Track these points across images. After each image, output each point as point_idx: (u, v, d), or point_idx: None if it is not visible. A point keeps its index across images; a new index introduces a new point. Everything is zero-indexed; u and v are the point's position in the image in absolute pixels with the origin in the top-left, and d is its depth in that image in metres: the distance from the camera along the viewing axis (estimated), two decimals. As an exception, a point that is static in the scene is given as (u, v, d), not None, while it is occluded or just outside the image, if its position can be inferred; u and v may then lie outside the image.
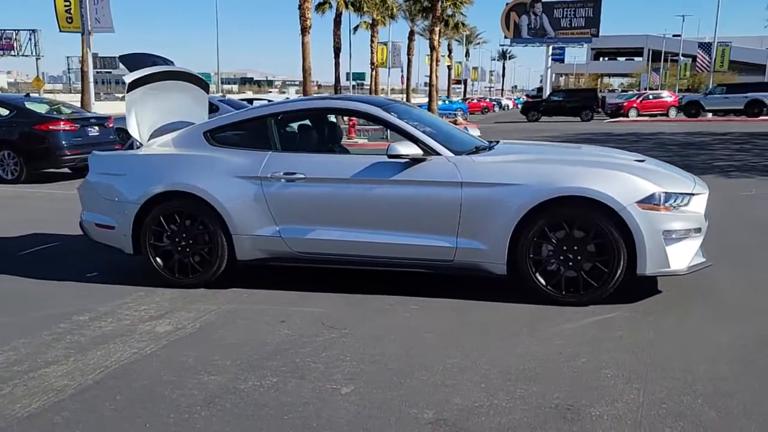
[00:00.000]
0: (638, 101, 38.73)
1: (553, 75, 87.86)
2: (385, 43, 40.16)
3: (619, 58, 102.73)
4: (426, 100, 37.52)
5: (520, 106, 39.24)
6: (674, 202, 4.40)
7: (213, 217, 4.95)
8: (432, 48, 32.07)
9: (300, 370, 3.56)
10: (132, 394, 3.31)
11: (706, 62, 42.20)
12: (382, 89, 44.66)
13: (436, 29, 31.50)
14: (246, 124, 5.23)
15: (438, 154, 4.67)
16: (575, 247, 4.43)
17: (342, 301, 4.72)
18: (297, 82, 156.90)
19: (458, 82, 77.96)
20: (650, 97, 39.85)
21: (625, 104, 38.33)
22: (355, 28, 42.12)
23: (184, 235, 5.06)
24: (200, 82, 6.25)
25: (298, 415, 3.05)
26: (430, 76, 32.97)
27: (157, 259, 5.11)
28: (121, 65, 6.87)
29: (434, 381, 3.39)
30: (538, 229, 4.45)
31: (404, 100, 53.40)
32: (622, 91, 77.43)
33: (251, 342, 3.98)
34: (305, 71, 24.29)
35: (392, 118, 4.92)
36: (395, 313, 4.46)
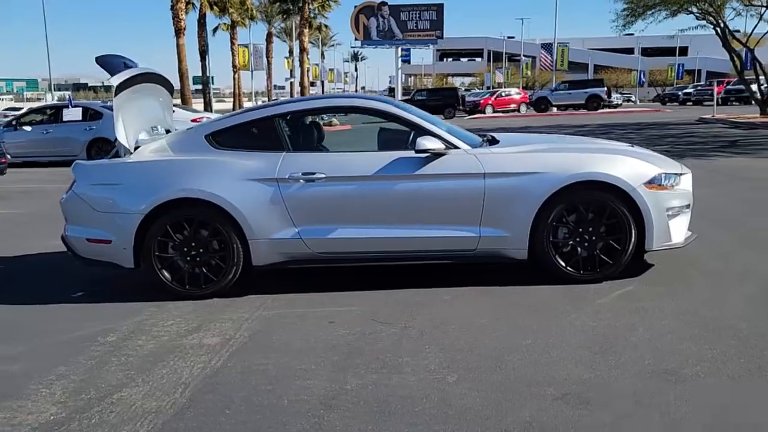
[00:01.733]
0: (493, 99, 41.15)
1: (403, 75, 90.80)
2: (246, 45, 39.34)
3: (462, 59, 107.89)
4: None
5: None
6: (672, 181, 4.88)
7: (227, 223, 4.77)
8: (302, 50, 32.00)
9: (390, 365, 3.58)
10: (242, 406, 3.18)
11: (549, 61, 45.63)
12: (245, 92, 43.74)
13: (306, 31, 31.47)
14: (252, 125, 5.08)
15: (457, 147, 4.84)
16: (590, 228, 4.78)
17: (372, 297, 4.74)
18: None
19: (312, 83, 78.12)
20: (503, 94, 42.45)
21: (482, 102, 40.56)
22: (215, 30, 40.91)
23: (193, 244, 4.83)
24: (167, 84, 5.97)
25: (428, 406, 3.10)
26: (302, 78, 32.89)
27: (164, 271, 4.84)
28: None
29: (529, 360, 3.56)
30: (556, 213, 4.75)
31: (267, 102, 52.72)
32: (465, 89, 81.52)
33: (317, 344, 3.92)
34: (182, 74, 23.30)
35: (410, 116, 5.02)
36: (434, 304, 4.57)
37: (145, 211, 4.75)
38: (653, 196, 4.75)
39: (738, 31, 24.73)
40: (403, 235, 4.81)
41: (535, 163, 4.77)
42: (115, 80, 4.96)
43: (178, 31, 23.32)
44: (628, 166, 4.80)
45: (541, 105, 39.50)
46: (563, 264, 4.82)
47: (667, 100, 52.44)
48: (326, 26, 45.44)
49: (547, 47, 46.13)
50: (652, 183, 4.77)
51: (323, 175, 4.77)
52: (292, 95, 64.24)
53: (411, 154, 4.80)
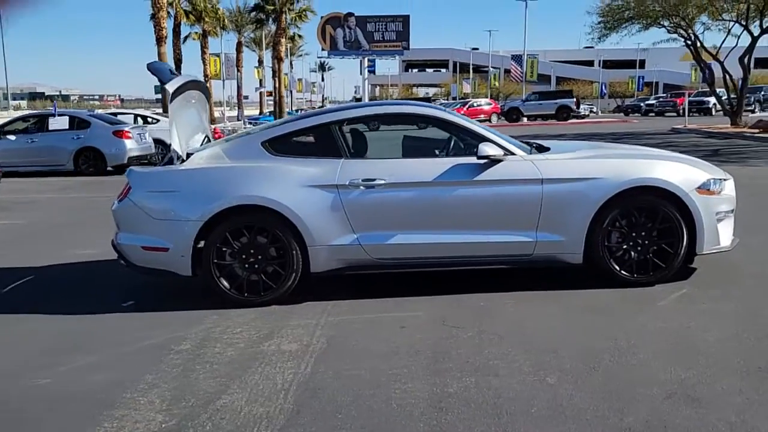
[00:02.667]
0: (465, 109, 41.54)
1: (369, 86, 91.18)
2: (218, 55, 39.04)
3: (427, 70, 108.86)
4: (258, 111, 37.27)
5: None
6: (719, 186, 5.04)
7: (287, 229, 4.76)
8: (279, 59, 31.87)
9: (483, 368, 3.62)
10: (352, 410, 3.18)
11: (519, 72, 46.37)
12: (217, 102, 43.30)
13: (282, 41, 31.37)
14: (308, 132, 5.08)
15: (513, 154, 4.92)
16: (643, 233, 4.90)
17: (434, 302, 4.78)
18: (96, 96, 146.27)
19: (270, 93, 77.47)
20: (475, 104, 42.93)
21: (455, 111, 40.88)
22: (185, 39, 40.44)
23: (252, 251, 4.80)
24: (207, 91, 5.94)
25: (541, 407, 3.14)
26: (279, 88, 32.75)
27: (222, 279, 4.79)
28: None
29: (620, 362, 3.63)
30: (611, 218, 4.86)
31: (238, 112, 52.23)
32: (431, 99, 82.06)
33: (399, 349, 3.93)
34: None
35: (466, 122, 5.09)
36: (499, 308, 4.61)
37: (204, 219, 4.71)
38: (704, 200, 4.89)
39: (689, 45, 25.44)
40: (461, 240, 4.86)
41: (591, 169, 4.88)
42: (171, 87, 4.92)
43: (160, 40, 23.01)
44: (681, 172, 4.94)
45: (512, 115, 40.14)
46: (618, 268, 4.92)
47: (630, 111, 53.74)
48: (300, 36, 45.44)
49: (518, 59, 46.89)
50: (703, 188, 4.92)
51: (383, 182, 4.79)
52: (261, 105, 63.92)
53: (469, 160, 4.87)
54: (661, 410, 3.05)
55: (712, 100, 43.45)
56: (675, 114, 47.75)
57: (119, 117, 17.42)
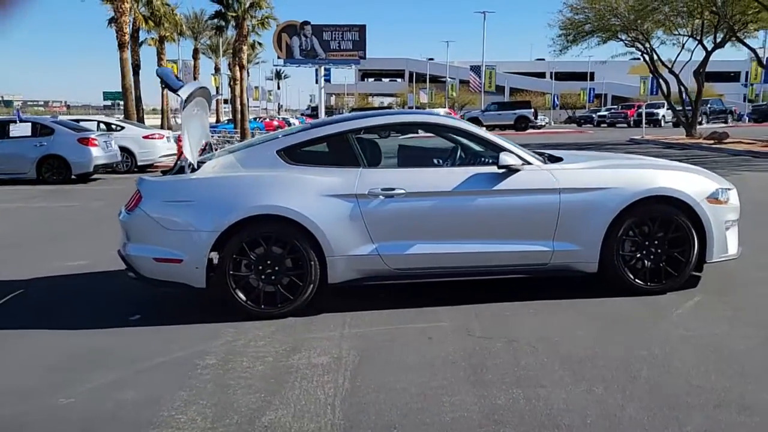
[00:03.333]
0: (425, 118, 41.85)
1: (325, 95, 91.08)
2: (175, 61, 38.39)
3: (383, 79, 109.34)
4: (214, 119, 36.65)
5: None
6: (726, 196, 5.16)
7: (305, 239, 4.66)
8: (241, 67, 31.49)
9: (525, 379, 3.58)
10: (405, 424, 3.10)
11: (478, 83, 46.98)
12: (174, 109, 42.52)
13: (244, 48, 31.03)
14: (325, 140, 4.99)
15: (530, 163, 4.93)
16: (656, 241, 4.98)
17: (455, 312, 4.74)
18: (41, 102, 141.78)
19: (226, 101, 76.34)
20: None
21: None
22: (140, 44, 39.59)
23: (268, 261, 4.68)
24: (209, 97, 5.81)
25: (597, 417, 3.12)
26: (241, 96, 32.34)
27: (238, 291, 4.66)
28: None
29: (660, 370, 3.64)
30: (626, 227, 4.92)
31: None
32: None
33: (434, 360, 3.88)
34: (125, 89, 22.39)
35: (483, 132, 5.08)
36: (521, 317, 4.61)
37: (220, 229, 4.58)
38: (713, 210, 5.00)
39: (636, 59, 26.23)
40: (479, 249, 4.85)
41: (606, 179, 4.93)
42: (184, 93, 4.79)
43: (122, 45, 22.40)
44: (692, 182, 5.04)
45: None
46: (631, 276, 4.98)
47: (583, 122, 55.08)
48: (260, 44, 44.92)
49: (476, 70, 47.51)
50: (712, 197, 5.03)
51: (403, 191, 4.75)
52: (217, 113, 63.00)
53: (488, 169, 4.87)
54: (715, 419, 3.07)
55: (661, 111, 45.00)
56: (626, 125, 49.19)
57: (81, 124, 16.90)
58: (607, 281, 5.04)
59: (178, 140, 19.86)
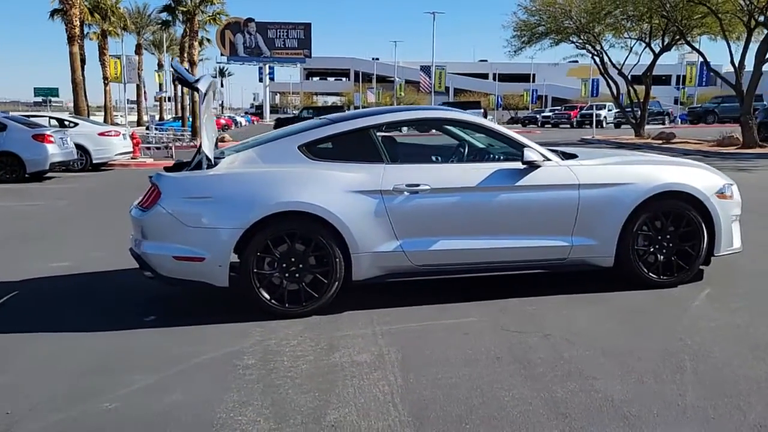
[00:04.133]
0: (377, 117, 41.93)
1: (270, 93, 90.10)
2: (118, 56, 37.25)
3: (329, 78, 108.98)
4: (157, 116, 35.81)
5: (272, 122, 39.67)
6: (730, 190, 5.33)
7: (330, 236, 4.58)
8: (192, 63, 30.72)
9: (575, 372, 3.61)
10: (475, 419, 3.08)
11: (428, 83, 47.33)
12: (116, 105, 41.27)
13: (195, 44, 30.31)
14: (346, 136, 4.90)
15: (549, 159, 4.98)
16: (668, 236, 5.11)
17: (481, 309, 4.73)
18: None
19: (169, 98, 74.57)
20: (384, 113, 43.38)
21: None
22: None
23: (293, 259, 4.58)
24: (216, 91, 5.65)
25: (661, 408, 3.17)
26: (193, 94, 31.57)
27: (262, 290, 4.55)
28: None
29: (705, 362, 3.72)
30: (641, 222, 5.03)
31: (138, 117, 49.91)
32: (342, 107, 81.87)
33: (478, 356, 3.87)
34: (75, 84, 21.48)
35: (504, 130, 5.10)
36: (547, 312, 4.64)
37: (245, 226, 4.45)
38: (721, 204, 5.16)
39: (574, 61, 27.09)
40: (501, 245, 4.87)
41: (623, 175, 5.03)
42: (203, 86, 4.64)
43: (71, 39, 21.43)
44: (702, 178, 5.19)
45: (424, 125, 40.82)
46: (645, 270, 5.09)
47: (527, 122, 56.23)
48: (208, 40, 44.06)
49: (426, 70, 47.84)
50: (720, 193, 5.19)
51: (428, 187, 4.72)
52: (161, 110, 61.51)
53: (510, 165, 4.90)
54: (775, 405, 3.17)
55: (603, 112, 46.40)
56: (569, 126, 50.51)
57: (32, 120, 16.19)
58: (621, 275, 5.14)
59: (132, 136, 19.32)
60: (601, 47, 25.78)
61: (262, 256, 4.53)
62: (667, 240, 5.11)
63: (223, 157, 4.83)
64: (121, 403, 3.32)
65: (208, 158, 4.67)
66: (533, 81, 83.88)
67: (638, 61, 25.77)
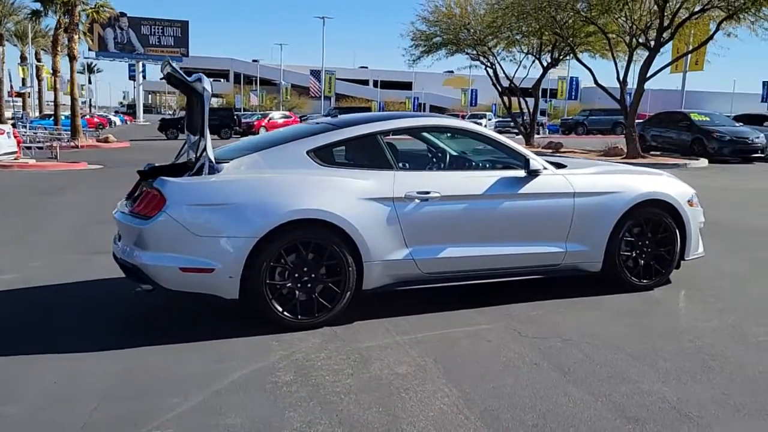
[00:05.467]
0: (266, 121, 41.23)
1: (143, 92, 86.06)
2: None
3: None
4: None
5: (158, 123, 37.65)
6: (695, 199, 5.73)
7: (344, 244, 4.45)
8: (72, 58, 28.63)
9: (616, 376, 3.72)
10: (556, 427, 3.11)
11: (317, 87, 47.15)
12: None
13: (76, 37, 28.20)
14: (354, 141, 4.78)
15: (546, 168, 5.13)
16: (647, 241, 5.41)
17: (487, 315, 4.77)
18: None
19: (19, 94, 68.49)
20: (274, 117, 42.69)
21: (256, 123, 40.37)
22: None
23: (305, 268, 4.41)
24: None
25: (717, 407, 3.34)
26: (73, 90, 29.41)
27: (274, 302, 4.33)
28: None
29: (728, 359, 3.95)
30: (626, 228, 5.29)
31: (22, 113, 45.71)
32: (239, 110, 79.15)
33: (514, 363, 3.89)
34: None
35: (505, 140, 5.18)
36: (554, 316, 4.75)
37: (259, 234, 4.22)
38: (692, 212, 5.54)
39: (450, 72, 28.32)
40: (504, 252, 4.94)
41: (612, 183, 5.27)
42: (208, 85, 4.35)
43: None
44: (677, 186, 5.55)
45: (314, 129, 40.63)
46: (629, 274, 5.36)
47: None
48: (85, 33, 41.18)
49: (316, 74, 47.64)
50: (691, 200, 5.58)
51: (438, 194, 4.71)
52: (24, 106, 56.74)
53: (512, 173, 4.99)
54: (809, 398, 3.44)
55: (483, 122, 48.48)
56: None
57: None
58: (607, 279, 5.37)
59: (14, 135, 17.75)
60: (496, 59, 26.91)
61: (274, 265, 4.31)
62: (647, 245, 5.41)
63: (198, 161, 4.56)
64: (174, 429, 3.04)
65: (211, 163, 4.39)
66: (409, 89, 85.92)
67: (527, 74, 27.16)
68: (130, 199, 5.07)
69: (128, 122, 70.40)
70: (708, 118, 21.36)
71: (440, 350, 4.10)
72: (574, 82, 52.21)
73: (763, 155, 20.73)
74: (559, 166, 5.50)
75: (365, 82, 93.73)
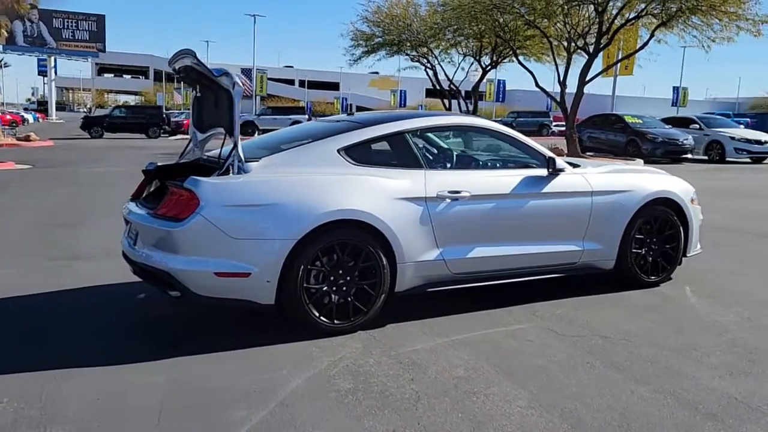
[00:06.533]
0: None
1: (56, 88, 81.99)
2: None
3: (125, 75, 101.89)
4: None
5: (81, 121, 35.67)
6: (696, 197, 5.90)
7: (380, 245, 4.31)
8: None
9: (672, 371, 3.75)
10: (643, 426, 3.10)
11: (249, 86, 46.21)
12: None
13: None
14: (383, 140, 4.64)
15: (568, 168, 5.15)
16: (655, 239, 5.53)
17: (516, 315, 4.73)
18: None
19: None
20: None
21: (185, 122, 39.16)
22: None
23: (341, 271, 4.24)
24: None
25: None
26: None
27: (311, 306, 4.15)
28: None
29: (765, 354, 4.08)
30: (637, 227, 5.39)
31: None
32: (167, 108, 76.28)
33: (568, 362, 3.87)
34: None
35: (528, 140, 5.16)
36: (578, 314, 4.77)
37: (298, 236, 4.02)
38: (694, 210, 5.71)
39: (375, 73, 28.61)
40: (527, 251, 4.93)
41: (625, 182, 5.35)
42: (238, 80, 4.12)
43: None
44: (681, 185, 5.69)
45: (248, 129, 39.80)
46: (638, 271, 5.47)
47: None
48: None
49: (247, 73, 46.69)
50: (692, 199, 5.74)
51: (468, 194, 4.63)
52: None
53: (535, 172, 4.99)
54: None
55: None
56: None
57: None
58: (619, 276, 5.45)
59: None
60: (437, 61, 27.15)
61: (311, 268, 4.12)
62: (654, 243, 5.52)
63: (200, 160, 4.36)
64: (259, 446, 2.83)
65: (241, 162, 4.15)
66: (335, 89, 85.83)
67: (466, 75, 27.53)
68: (139, 199, 4.77)
69: (41, 120, 66.85)
70: (641, 121, 22.30)
71: (488, 352, 4.02)
72: (501, 85, 53.33)
73: (691, 156, 21.82)
74: (573, 165, 5.54)
75: (291, 82, 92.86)
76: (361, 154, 4.51)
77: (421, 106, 66.73)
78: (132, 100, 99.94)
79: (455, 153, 5.42)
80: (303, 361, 3.81)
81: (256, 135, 39.56)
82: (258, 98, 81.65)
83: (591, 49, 20.04)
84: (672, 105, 50.18)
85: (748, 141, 22.26)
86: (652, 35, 19.80)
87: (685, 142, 21.31)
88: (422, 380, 3.58)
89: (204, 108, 4.94)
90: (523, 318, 4.68)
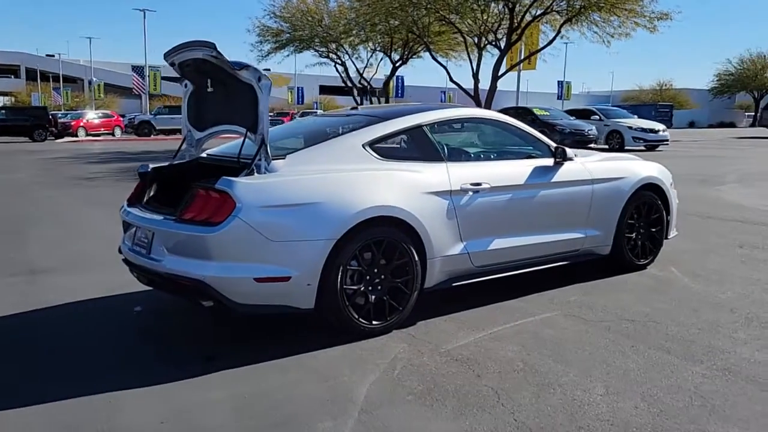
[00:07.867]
0: (85, 121, 37.82)
1: None
2: None
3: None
4: None
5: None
6: (673, 183, 6.17)
7: (412, 242, 4.20)
8: None
9: (719, 351, 3.86)
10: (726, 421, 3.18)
11: (141, 85, 44.05)
12: None
13: None
14: (403, 133, 4.50)
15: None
16: (642, 223, 5.73)
17: (536, 304, 4.75)
18: None
19: None
20: (90, 117, 39.19)
21: (73, 123, 36.86)
22: None
23: (376, 270, 4.09)
24: None
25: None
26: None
27: (350, 308, 3.97)
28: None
29: (777, 326, 4.32)
30: (629, 212, 5.56)
31: None
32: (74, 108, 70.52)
33: (620, 351, 3.91)
34: None
35: (536, 132, 5.17)
36: (592, 298, 4.84)
37: (337, 235, 3.83)
38: (673, 194, 5.97)
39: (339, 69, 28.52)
40: (539, 240, 4.96)
41: (619, 170, 5.50)
42: (264, 75, 3.86)
43: None
44: (665, 172, 5.93)
45: (144, 129, 38.04)
46: (630, 255, 5.65)
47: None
48: None
49: (139, 70, 44.45)
50: (672, 183, 6.00)
51: (488, 185, 4.60)
52: None
53: (542, 162, 5.03)
54: None
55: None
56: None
57: None
58: (614, 261, 5.60)
59: None
60: (350, 56, 27.02)
61: (348, 269, 3.94)
62: (643, 227, 5.72)
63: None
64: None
65: (268, 160, 3.89)
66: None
67: (376, 71, 27.62)
68: (141, 203, 4.40)
69: None
70: (549, 113, 23.20)
71: (533, 343, 4.00)
72: (400, 81, 53.91)
73: (595, 146, 22.98)
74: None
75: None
76: (386, 149, 4.37)
77: (316, 102, 66.28)
78: (0, 101, 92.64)
79: (464, 145, 5.37)
80: (358, 364, 3.64)
81: (152, 136, 37.83)
82: (144, 98, 78.36)
83: (502, 44, 20.61)
84: (558, 98, 52.68)
85: (644, 130, 23.72)
86: (558, 32, 20.64)
87: (590, 132, 22.40)
88: (489, 376, 3.50)
89: (207, 104, 4.61)
90: (544, 307, 4.71)
